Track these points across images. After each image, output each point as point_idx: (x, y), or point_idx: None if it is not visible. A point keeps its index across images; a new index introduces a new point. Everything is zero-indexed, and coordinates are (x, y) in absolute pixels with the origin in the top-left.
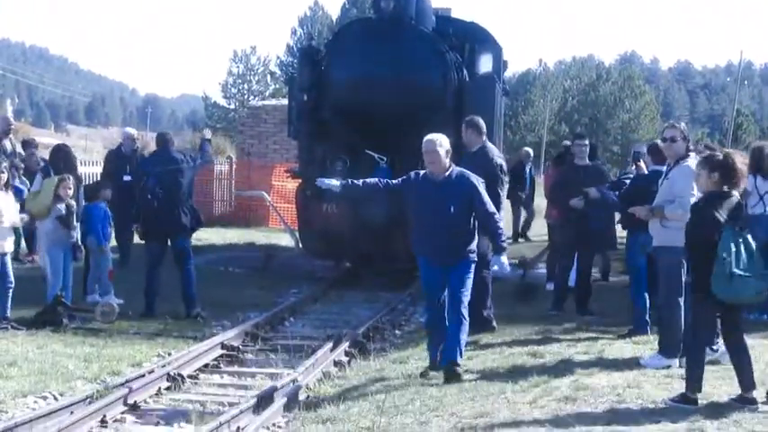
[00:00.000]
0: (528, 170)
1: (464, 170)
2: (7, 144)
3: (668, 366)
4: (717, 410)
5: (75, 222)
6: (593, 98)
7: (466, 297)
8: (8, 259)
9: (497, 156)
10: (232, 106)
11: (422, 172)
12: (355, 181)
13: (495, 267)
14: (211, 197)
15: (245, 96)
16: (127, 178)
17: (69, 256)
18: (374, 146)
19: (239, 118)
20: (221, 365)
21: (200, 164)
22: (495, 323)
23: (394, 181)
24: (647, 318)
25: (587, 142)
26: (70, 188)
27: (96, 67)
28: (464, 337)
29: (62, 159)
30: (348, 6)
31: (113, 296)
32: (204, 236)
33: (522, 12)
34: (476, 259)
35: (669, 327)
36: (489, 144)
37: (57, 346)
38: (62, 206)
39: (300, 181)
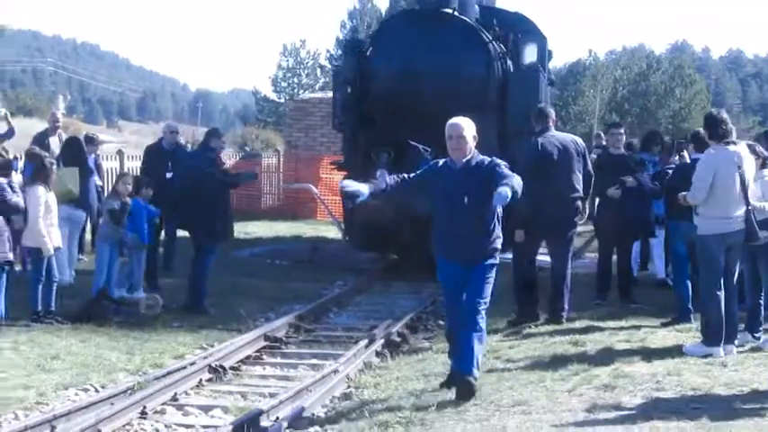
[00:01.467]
0: None
1: (487, 157)
2: (54, 141)
3: (710, 355)
4: (756, 397)
5: (125, 220)
6: (644, 88)
7: (483, 306)
8: (53, 254)
9: (541, 139)
10: (282, 100)
11: (442, 161)
12: (379, 185)
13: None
14: (260, 190)
15: (295, 90)
16: (169, 175)
17: (116, 252)
18: (418, 137)
19: (288, 111)
20: (264, 357)
21: (234, 180)
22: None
23: (415, 173)
24: (690, 306)
25: (622, 131)
26: (129, 184)
27: (148, 62)
28: (480, 347)
29: (72, 151)
30: None
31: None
32: (252, 229)
33: (572, 1)
34: (497, 261)
35: (709, 315)
36: (553, 131)
37: (100, 339)
38: (117, 202)
39: (345, 173)
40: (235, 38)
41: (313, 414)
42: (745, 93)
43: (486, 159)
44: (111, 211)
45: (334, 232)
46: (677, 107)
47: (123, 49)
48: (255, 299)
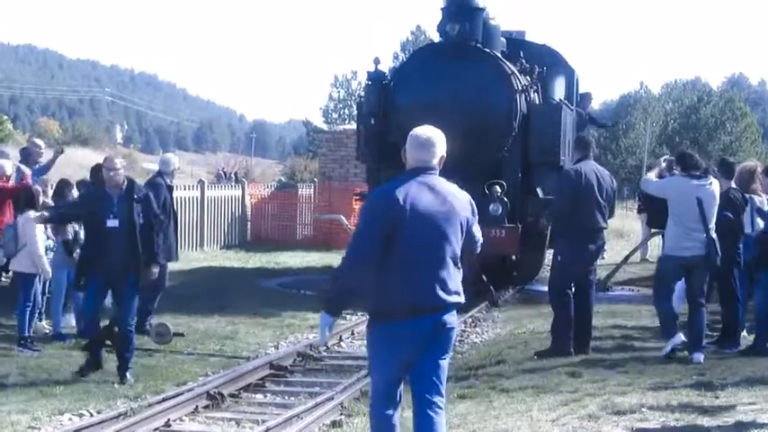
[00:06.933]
0: None
1: None
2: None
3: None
4: (737, 429)
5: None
6: (695, 121)
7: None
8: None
9: (584, 167)
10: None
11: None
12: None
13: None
14: (294, 221)
15: (346, 121)
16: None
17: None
18: (441, 171)
19: (319, 142)
20: (266, 385)
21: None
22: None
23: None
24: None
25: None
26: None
27: (205, 93)
28: None
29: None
30: None
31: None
32: (284, 259)
33: (627, 35)
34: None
35: (661, 316)
36: (586, 162)
37: (108, 365)
38: (71, 231)
39: None
40: (291, 70)
41: None
42: None
43: None
44: (64, 242)
45: None
46: (728, 140)
47: (181, 80)
48: (272, 328)
